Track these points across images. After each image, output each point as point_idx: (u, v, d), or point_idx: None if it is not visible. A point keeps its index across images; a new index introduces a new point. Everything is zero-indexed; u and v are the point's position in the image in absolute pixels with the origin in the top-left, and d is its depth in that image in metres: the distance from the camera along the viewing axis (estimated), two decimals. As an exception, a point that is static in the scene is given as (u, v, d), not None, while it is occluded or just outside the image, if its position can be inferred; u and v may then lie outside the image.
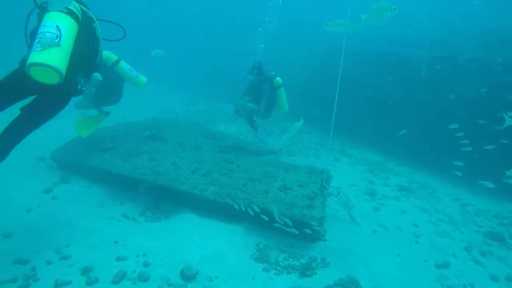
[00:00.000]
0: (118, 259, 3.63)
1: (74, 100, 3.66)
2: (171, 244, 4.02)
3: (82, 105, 5.96)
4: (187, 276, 3.49)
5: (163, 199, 5.04)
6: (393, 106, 8.55)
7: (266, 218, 4.23)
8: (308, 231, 4.13)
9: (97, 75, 5.07)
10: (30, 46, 2.88)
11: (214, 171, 5.26)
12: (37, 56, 2.70)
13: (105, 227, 4.25)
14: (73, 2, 3.17)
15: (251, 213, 4.29)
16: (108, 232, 4.13)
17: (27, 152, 6.37)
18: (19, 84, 2.99)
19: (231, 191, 4.78)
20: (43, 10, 2.98)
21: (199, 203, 4.82)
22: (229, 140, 7.34)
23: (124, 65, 5.65)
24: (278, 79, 6.71)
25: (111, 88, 5.79)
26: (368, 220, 5.25)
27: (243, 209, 4.37)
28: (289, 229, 4.11)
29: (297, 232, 4.14)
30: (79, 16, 3.17)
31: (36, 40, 2.77)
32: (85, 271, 3.41)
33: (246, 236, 4.48)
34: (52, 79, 2.82)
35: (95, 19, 3.41)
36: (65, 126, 6.04)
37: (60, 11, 2.97)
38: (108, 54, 5.48)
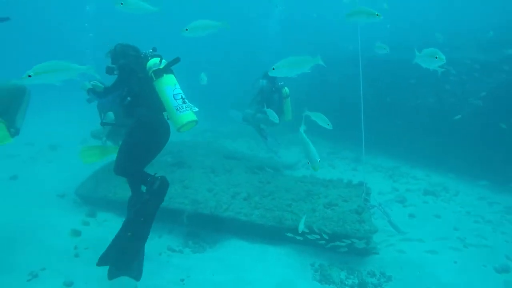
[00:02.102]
0: (192, 299, 3.49)
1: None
2: (237, 275, 3.90)
3: (97, 135, 6.00)
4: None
5: (202, 226, 4.92)
6: (402, 110, 8.76)
7: (326, 237, 4.21)
8: (362, 244, 4.16)
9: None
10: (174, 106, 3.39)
11: (254, 194, 5.20)
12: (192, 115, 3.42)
13: (160, 265, 4.08)
14: None
15: (326, 236, 4.26)
16: (167, 270, 3.97)
17: (46, 190, 6.12)
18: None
19: (278, 213, 4.73)
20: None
21: (244, 228, 4.73)
22: (254, 160, 7.29)
23: None
24: (286, 89, 6.77)
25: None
26: (409, 228, 5.30)
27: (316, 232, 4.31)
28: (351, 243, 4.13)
29: (363, 244, 4.16)
30: None
31: (181, 101, 3.39)
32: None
33: (299, 258, 4.43)
34: None
35: None
36: (75, 162, 5.83)
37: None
38: None
